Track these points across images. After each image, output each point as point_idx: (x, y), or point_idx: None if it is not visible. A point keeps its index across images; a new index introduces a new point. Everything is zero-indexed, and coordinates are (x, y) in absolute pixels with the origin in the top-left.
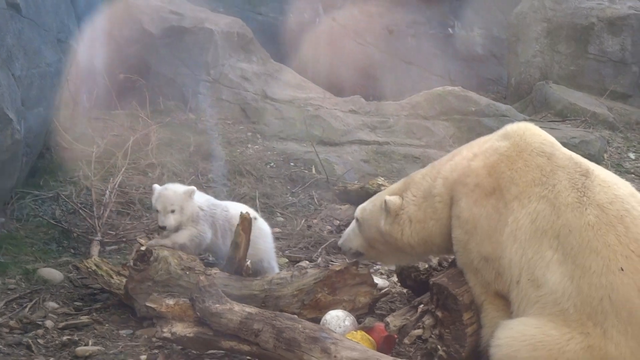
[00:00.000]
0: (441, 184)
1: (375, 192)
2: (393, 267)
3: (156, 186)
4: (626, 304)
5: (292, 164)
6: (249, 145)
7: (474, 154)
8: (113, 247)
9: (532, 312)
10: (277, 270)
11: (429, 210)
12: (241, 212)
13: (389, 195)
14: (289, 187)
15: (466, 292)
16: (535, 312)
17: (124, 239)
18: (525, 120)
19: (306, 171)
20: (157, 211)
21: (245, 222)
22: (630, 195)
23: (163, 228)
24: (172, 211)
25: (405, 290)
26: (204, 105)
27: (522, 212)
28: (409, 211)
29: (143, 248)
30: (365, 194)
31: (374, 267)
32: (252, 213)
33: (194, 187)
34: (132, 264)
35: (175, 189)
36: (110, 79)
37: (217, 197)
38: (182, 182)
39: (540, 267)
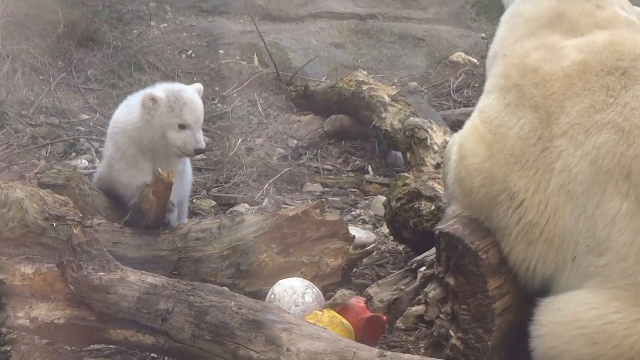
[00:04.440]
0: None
1: (353, 93)
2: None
3: (156, 92)
4: None
5: (221, 51)
6: (153, 23)
7: (541, 44)
8: None
9: (589, 285)
10: (184, 217)
11: None
12: (158, 171)
13: None
14: (217, 89)
15: (492, 247)
16: (592, 285)
17: None
18: None
19: (244, 63)
20: (184, 127)
21: (160, 185)
22: None
23: (200, 152)
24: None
25: (401, 247)
26: None
27: (576, 154)
28: None
29: None
30: (337, 97)
31: (353, 211)
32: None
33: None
34: None
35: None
36: None
37: (102, 105)
38: (46, 81)
39: (602, 225)
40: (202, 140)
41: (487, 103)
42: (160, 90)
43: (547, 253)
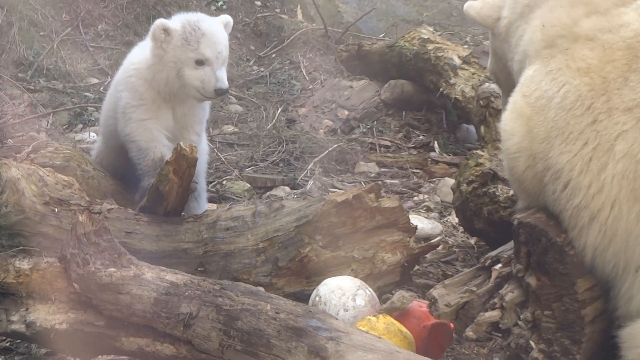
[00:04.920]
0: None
1: (416, 54)
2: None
3: (169, 23)
4: None
5: (258, 2)
6: None
7: (593, 10)
8: None
9: None
10: (204, 202)
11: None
12: (179, 145)
13: None
14: (252, 48)
15: None
16: None
17: None
18: None
19: (285, 17)
20: (202, 63)
21: (183, 162)
22: None
23: (222, 92)
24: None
25: (472, 241)
26: None
27: None
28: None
29: None
30: (396, 59)
31: (415, 197)
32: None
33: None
34: None
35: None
36: None
37: (115, 66)
38: (47, 37)
39: None
40: (224, 78)
41: (528, 75)
42: (176, 20)
43: (604, 249)
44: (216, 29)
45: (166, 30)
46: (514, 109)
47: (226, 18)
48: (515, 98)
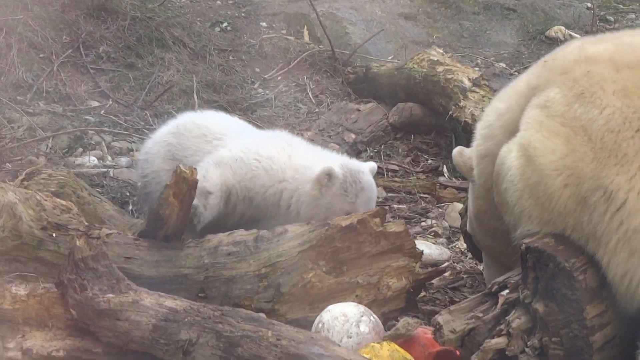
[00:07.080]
0: (526, 77)
1: (425, 76)
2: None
3: (334, 168)
4: None
5: (263, 24)
6: None
7: (597, 40)
8: None
9: None
10: None
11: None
12: (178, 167)
13: None
14: (257, 70)
15: (591, 266)
16: None
17: None
18: None
19: (291, 38)
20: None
21: (183, 185)
22: None
23: None
24: None
25: (480, 266)
26: None
27: None
28: None
29: None
30: (405, 81)
31: (423, 222)
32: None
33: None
34: None
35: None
36: None
37: (116, 89)
38: (47, 59)
39: None
40: None
41: (549, 97)
42: (337, 165)
43: None
44: (372, 183)
45: (330, 176)
46: (541, 128)
47: (373, 166)
48: (537, 119)
